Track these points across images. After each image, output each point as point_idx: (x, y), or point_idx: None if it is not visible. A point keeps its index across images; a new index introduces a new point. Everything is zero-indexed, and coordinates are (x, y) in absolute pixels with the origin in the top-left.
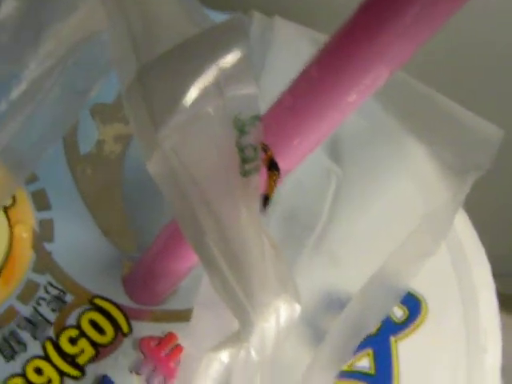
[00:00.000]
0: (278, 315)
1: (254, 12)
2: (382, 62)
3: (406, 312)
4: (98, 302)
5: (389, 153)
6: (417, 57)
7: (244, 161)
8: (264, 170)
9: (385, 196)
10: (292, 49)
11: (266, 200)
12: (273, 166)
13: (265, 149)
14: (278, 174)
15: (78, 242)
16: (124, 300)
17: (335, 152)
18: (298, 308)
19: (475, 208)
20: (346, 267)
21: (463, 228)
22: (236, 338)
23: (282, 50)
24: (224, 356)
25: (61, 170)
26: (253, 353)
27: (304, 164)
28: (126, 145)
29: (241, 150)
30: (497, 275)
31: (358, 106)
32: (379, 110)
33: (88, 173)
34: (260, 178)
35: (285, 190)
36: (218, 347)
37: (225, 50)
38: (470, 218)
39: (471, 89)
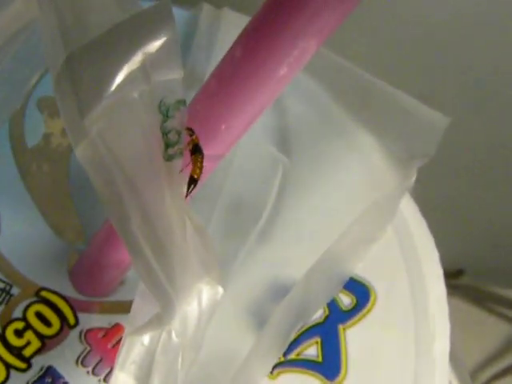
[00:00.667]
0: (200, 298)
1: (203, 3)
2: (308, 34)
3: (354, 300)
4: (45, 294)
5: (336, 142)
6: (363, 46)
7: (168, 145)
8: (188, 154)
9: (332, 185)
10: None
11: (193, 181)
12: (197, 150)
13: (190, 133)
14: (202, 157)
15: (25, 235)
16: (71, 292)
17: (281, 141)
18: (220, 290)
19: (425, 199)
20: (293, 255)
21: (411, 215)
22: (157, 321)
23: (229, 41)
24: (145, 339)
25: (7, 164)
26: (174, 335)
27: (249, 153)
28: None
29: (165, 134)
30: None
31: (285, 83)
32: (325, 99)
33: (35, 166)
34: (185, 162)
35: (230, 179)
36: (139, 330)
37: (150, 35)
38: (420, 211)
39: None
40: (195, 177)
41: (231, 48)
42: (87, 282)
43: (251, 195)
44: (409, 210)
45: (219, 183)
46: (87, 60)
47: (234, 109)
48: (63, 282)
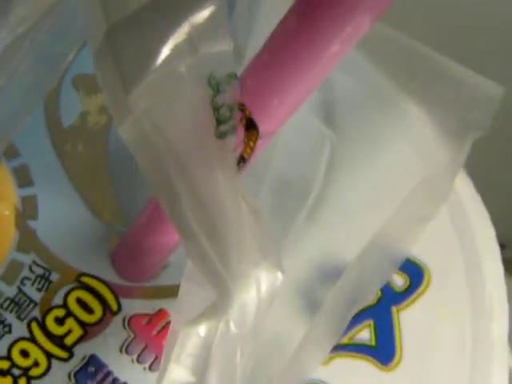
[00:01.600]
0: (259, 285)
1: None
2: (363, 9)
3: (408, 280)
4: (85, 279)
5: (384, 116)
6: (409, 14)
7: (219, 122)
8: (241, 131)
9: (381, 161)
10: (281, 14)
11: (242, 160)
12: (251, 126)
13: (242, 108)
14: (257, 134)
15: (63, 219)
16: (112, 277)
17: (328, 116)
18: (279, 276)
19: (478, 173)
20: (342, 235)
21: (465, 192)
22: (214, 311)
23: (274, 10)
24: (202, 330)
25: (43, 145)
26: (232, 326)
27: (296, 129)
28: (111, 116)
29: (216, 110)
30: (502, 243)
31: (338, 60)
32: (372, 72)
33: (71, 146)
34: (237, 140)
35: (276, 157)
36: (195, 321)
37: (197, 5)
38: (473, 184)
39: (468, 46)
40: (245, 156)
41: (284, 18)
42: (129, 267)
43: (298, 173)
44: (462, 186)
45: (266, 160)
46: (130, 32)
47: (287, 83)
48: (104, 266)
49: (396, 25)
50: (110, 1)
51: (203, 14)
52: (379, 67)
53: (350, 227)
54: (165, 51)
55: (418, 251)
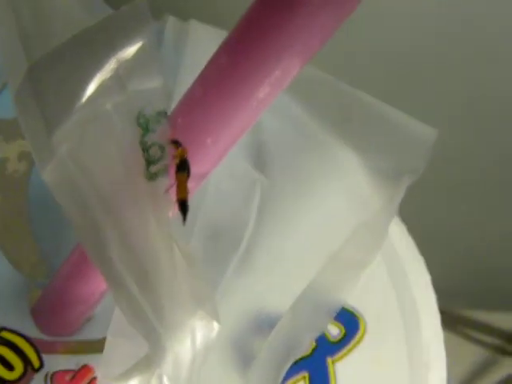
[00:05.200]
0: (194, 336)
1: (168, 16)
2: (292, 52)
3: (343, 330)
4: (5, 335)
5: (318, 160)
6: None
7: (149, 162)
8: (173, 171)
9: (315, 207)
10: (208, 52)
11: (183, 205)
12: (184, 167)
13: (176, 146)
14: (188, 175)
15: None
16: (34, 332)
17: (259, 160)
18: (216, 326)
19: (413, 220)
20: (275, 285)
21: (400, 238)
22: (146, 365)
23: (198, 53)
24: None
25: None
26: (165, 381)
27: (226, 173)
28: (31, 162)
29: (145, 149)
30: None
31: (272, 98)
32: (303, 114)
33: None
34: (170, 181)
35: (206, 202)
36: (125, 376)
37: (125, 39)
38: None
39: (401, 89)
40: (184, 198)
41: (216, 54)
42: (51, 320)
43: (229, 219)
44: (396, 231)
45: (195, 205)
46: (53, 70)
47: (220, 120)
48: (25, 320)
49: (328, 68)
50: (32, 37)
51: (131, 50)
52: (309, 108)
53: (284, 276)
54: (90, 89)
55: (353, 300)
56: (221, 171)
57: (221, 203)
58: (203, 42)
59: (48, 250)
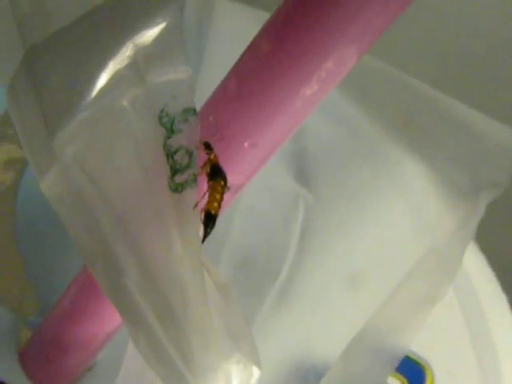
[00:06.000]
0: (229, 383)
1: None
2: (347, 41)
3: (406, 383)
4: None
5: (374, 171)
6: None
7: (175, 170)
8: (204, 180)
9: (370, 230)
10: (238, 35)
11: (210, 219)
12: (217, 174)
13: (207, 151)
14: (225, 184)
15: None
16: (22, 381)
17: (302, 171)
18: (256, 372)
19: (493, 248)
20: (320, 324)
21: (477, 270)
22: None
23: (225, 36)
24: None
25: None
26: None
27: (261, 187)
28: (20, 172)
29: (170, 155)
30: None
31: (320, 99)
32: (357, 115)
33: None
34: (199, 193)
35: (238, 222)
36: None
37: (143, 20)
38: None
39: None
40: (213, 213)
41: (255, 41)
42: (44, 369)
43: (265, 244)
44: (472, 261)
45: (223, 228)
46: (55, 56)
47: (260, 119)
48: (11, 367)
49: (387, 58)
50: (30, 16)
51: (152, 33)
52: (366, 109)
53: (331, 315)
54: (101, 80)
55: (418, 346)
56: (255, 185)
57: (254, 224)
58: (232, 23)
59: (39, 279)
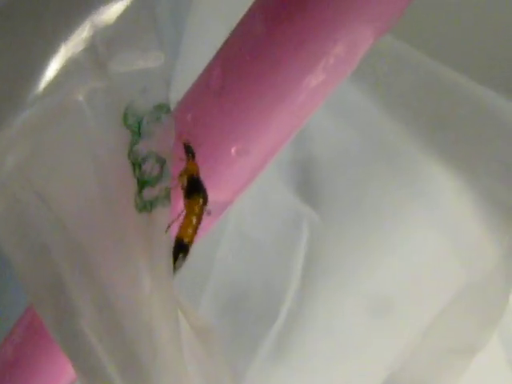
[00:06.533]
0: None
1: None
2: (361, 21)
3: None
4: None
5: (395, 183)
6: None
7: (143, 183)
8: (180, 194)
9: (391, 258)
10: (223, 9)
11: (181, 248)
12: (194, 189)
13: (187, 154)
14: (205, 202)
15: None
16: None
17: (306, 184)
18: None
19: None
20: (328, 380)
21: None
22: None
23: (209, 10)
24: None
25: None
26: None
27: (256, 206)
28: None
29: (137, 164)
30: None
31: (326, 92)
32: (377, 113)
33: None
34: (173, 212)
35: (225, 252)
36: None
37: None
38: None
39: None
40: (185, 241)
41: (245, 20)
42: None
43: (260, 280)
44: None
45: (206, 258)
46: None
47: (251, 120)
48: None
49: (411, 41)
50: None
51: (115, 10)
52: (385, 106)
53: (341, 368)
54: (50, 70)
55: None
56: (246, 203)
57: (246, 254)
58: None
59: None
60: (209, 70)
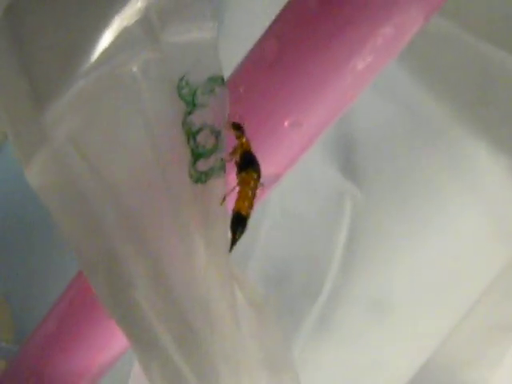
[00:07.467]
0: None
1: None
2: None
3: None
4: None
5: (439, 161)
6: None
7: (197, 155)
8: (232, 169)
9: (433, 234)
10: None
11: (239, 221)
12: (249, 164)
13: (238, 133)
14: (259, 176)
15: None
16: None
17: (349, 161)
18: None
19: None
20: (371, 352)
21: None
22: None
23: None
24: None
25: None
26: None
27: (298, 182)
28: None
29: (191, 135)
30: None
31: (374, 72)
32: (422, 92)
33: None
34: (228, 184)
35: (267, 229)
36: None
37: None
38: None
39: None
40: (243, 214)
41: None
42: None
43: (302, 256)
44: None
45: (248, 235)
46: (43, 12)
47: (304, 93)
48: None
49: (458, 21)
50: None
51: None
52: (430, 85)
53: (386, 340)
54: (104, 41)
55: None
56: (290, 179)
57: (289, 230)
58: None
59: (14, 296)
60: (263, 42)
